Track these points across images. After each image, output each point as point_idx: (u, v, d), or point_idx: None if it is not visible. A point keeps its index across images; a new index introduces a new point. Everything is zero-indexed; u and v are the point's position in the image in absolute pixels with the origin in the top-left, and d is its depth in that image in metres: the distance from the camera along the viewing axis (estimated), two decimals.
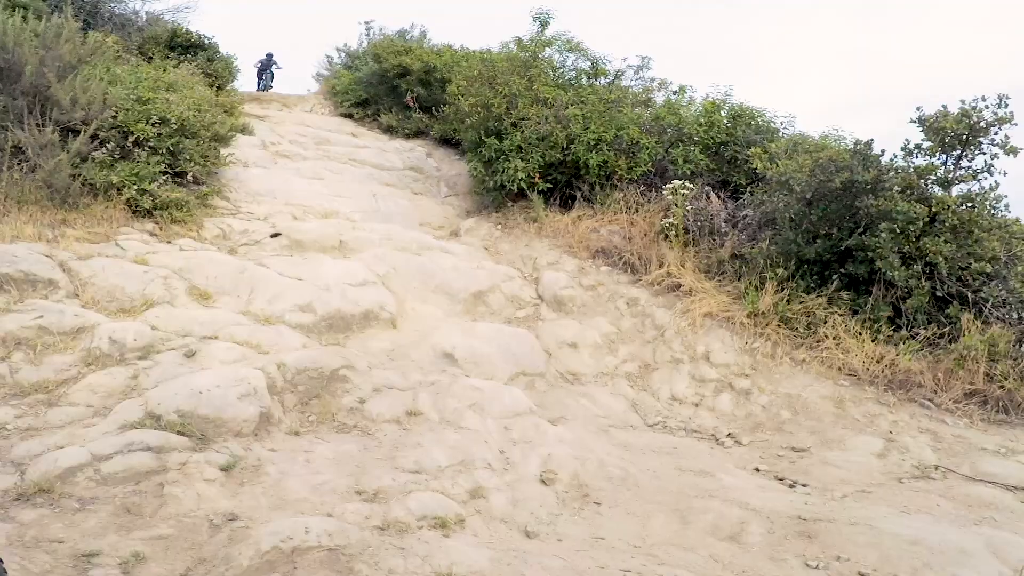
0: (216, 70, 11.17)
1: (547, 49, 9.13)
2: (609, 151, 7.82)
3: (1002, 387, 5.02)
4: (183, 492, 3.09)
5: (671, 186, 7.34)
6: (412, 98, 11.80)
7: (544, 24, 9.12)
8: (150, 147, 6.20)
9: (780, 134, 8.19)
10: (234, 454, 3.43)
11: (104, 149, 6.04)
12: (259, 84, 16.00)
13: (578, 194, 8.07)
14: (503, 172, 7.93)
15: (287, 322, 5.02)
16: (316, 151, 10.26)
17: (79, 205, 5.68)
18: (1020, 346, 5.19)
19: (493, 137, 8.08)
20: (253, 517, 3.01)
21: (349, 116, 12.89)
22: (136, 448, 3.27)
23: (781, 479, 4.37)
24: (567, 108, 8.03)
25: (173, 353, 4.20)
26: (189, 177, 6.61)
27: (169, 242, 5.90)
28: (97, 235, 5.53)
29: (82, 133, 5.79)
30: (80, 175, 5.72)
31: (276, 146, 10.00)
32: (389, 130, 12.00)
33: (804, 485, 4.23)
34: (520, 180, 7.82)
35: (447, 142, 11.20)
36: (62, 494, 2.98)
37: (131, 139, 6.12)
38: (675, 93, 9.28)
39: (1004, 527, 3.62)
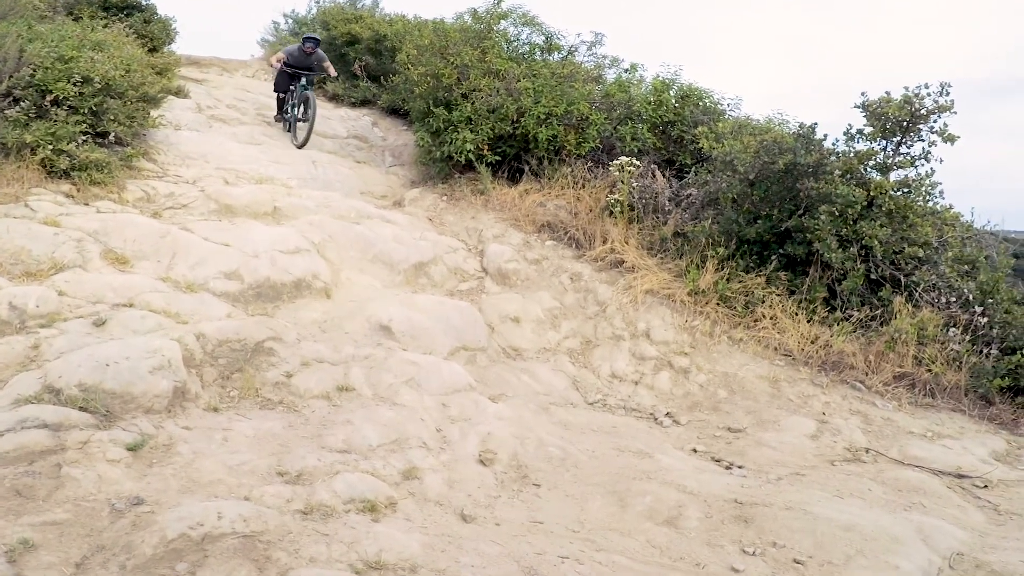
0: (152, 32, 10.74)
1: (502, 22, 8.90)
2: (559, 126, 7.70)
3: (929, 371, 5.17)
4: (82, 474, 2.83)
5: (618, 163, 7.28)
6: (360, 67, 11.50)
7: None
8: (70, 106, 5.82)
9: (727, 116, 8.25)
10: (143, 432, 3.18)
11: (19, 108, 5.58)
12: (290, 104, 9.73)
13: (526, 168, 7.94)
14: (451, 143, 7.72)
15: (211, 290, 4.70)
16: (255, 116, 9.80)
17: None
18: (948, 330, 5.35)
19: (442, 107, 7.84)
20: (161, 501, 2.78)
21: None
22: (30, 425, 2.97)
23: (718, 460, 4.38)
24: (519, 81, 7.84)
25: (81, 321, 3.87)
26: (111, 138, 6.16)
27: (86, 204, 5.47)
28: (6, 196, 5.07)
29: None
30: None
31: (212, 110, 9.48)
32: (334, 98, 11.69)
33: (740, 467, 4.24)
34: (468, 151, 7.63)
35: (395, 112, 10.90)
36: None
37: (49, 98, 5.72)
38: (627, 71, 9.22)
39: (932, 513, 3.70)
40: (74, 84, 5.85)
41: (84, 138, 5.77)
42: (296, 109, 9.16)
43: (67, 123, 5.66)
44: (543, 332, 5.89)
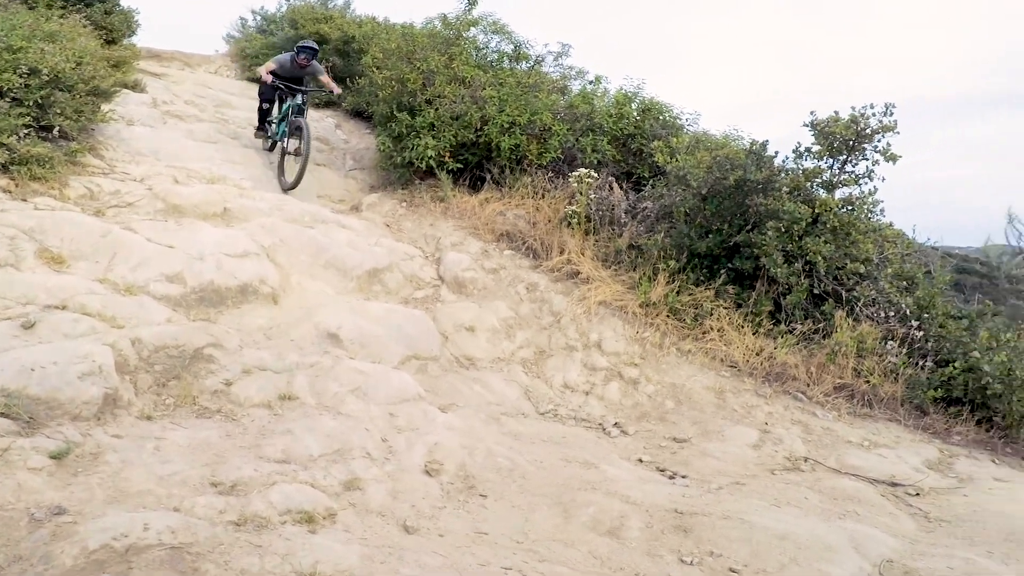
0: (112, 23, 10.42)
1: (472, 29, 8.93)
2: (522, 135, 7.74)
3: (868, 382, 5.33)
4: (1, 482, 2.71)
5: (577, 174, 7.36)
6: (327, 67, 11.37)
7: (472, 3, 8.90)
8: (14, 98, 5.62)
9: (685, 130, 8.39)
10: (69, 440, 3.06)
11: None
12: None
13: (488, 176, 7.96)
14: (412, 148, 7.69)
15: (151, 293, 4.57)
16: (214, 113, 9.59)
17: None
18: (886, 343, 5.53)
19: (405, 112, 7.81)
20: (84, 511, 2.68)
21: (257, 81, 12.30)
22: None
23: (662, 470, 4.43)
24: (484, 89, 7.86)
25: (8, 323, 3.71)
26: (56, 132, 5.98)
27: (24, 200, 5.27)
28: None
29: None
30: None
31: (169, 105, 9.25)
32: None
33: (684, 476, 4.29)
34: (429, 158, 7.61)
35: (359, 115, 10.80)
36: None
37: None
38: (591, 82, 9.33)
39: (865, 521, 3.79)
40: (20, 75, 5.65)
41: (27, 131, 5.59)
42: (284, 138, 7.77)
43: (9, 115, 5.47)
44: (498, 342, 5.89)
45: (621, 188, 7.61)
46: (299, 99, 7.72)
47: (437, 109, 7.69)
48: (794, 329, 5.68)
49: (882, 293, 5.82)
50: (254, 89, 11.67)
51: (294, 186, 7.57)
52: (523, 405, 5.25)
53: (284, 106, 8.02)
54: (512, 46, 9.25)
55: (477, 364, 5.59)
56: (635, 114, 8.30)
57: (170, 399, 3.70)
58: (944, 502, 4.23)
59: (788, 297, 5.77)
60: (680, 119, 8.53)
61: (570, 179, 7.50)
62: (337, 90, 8.27)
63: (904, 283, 6.09)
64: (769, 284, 5.90)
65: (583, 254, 6.79)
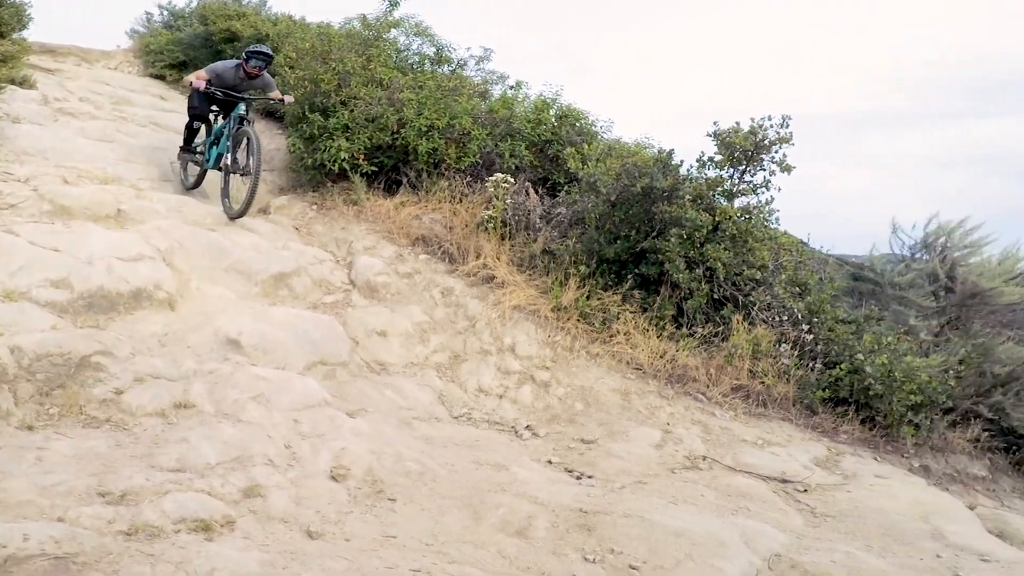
0: (1, 17, 9.64)
1: (393, 30, 8.83)
2: (440, 139, 7.71)
3: (763, 383, 5.65)
4: None
5: (493, 179, 7.42)
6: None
7: (394, 4, 8.79)
8: None
9: (600, 137, 8.57)
10: None
11: None
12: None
13: (404, 180, 7.89)
14: (325, 150, 7.52)
15: (34, 299, 4.28)
16: (111, 111, 9.06)
17: None
18: (779, 346, 5.87)
19: (318, 114, 7.65)
20: None
21: (161, 78, 11.76)
22: None
23: (570, 471, 4.52)
24: (403, 91, 7.80)
25: None
26: None
27: None
28: None
29: None
30: None
31: (62, 102, 8.68)
32: None
33: (590, 477, 4.40)
34: (343, 160, 7.46)
35: (270, 115, 10.42)
36: None
37: None
38: (512, 87, 9.39)
39: (757, 516, 3.99)
40: None
41: None
42: (228, 153, 6.60)
43: None
44: (411, 346, 5.86)
45: (537, 193, 7.73)
46: (242, 107, 6.64)
47: (352, 111, 7.58)
48: (695, 332, 5.94)
49: (776, 298, 6.17)
50: (158, 87, 11.21)
51: (243, 212, 6.47)
52: (436, 410, 5.25)
53: (218, 125, 7.01)
54: (435, 49, 9.20)
55: (389, 369, 5.55)
56: (553, 120, 8.41)
57: (54, 409, 3.49)
58: (829, 498, 4.48)
59: (689, 301, 6.03)
60: (595, 126, 8.70)
61: (487, 184, 7.55)
62: (289, 99, 7.29)
63: (797, 289, 6.48)
64: (672, 289, 6.15)
65: (499, 259, 6.86)
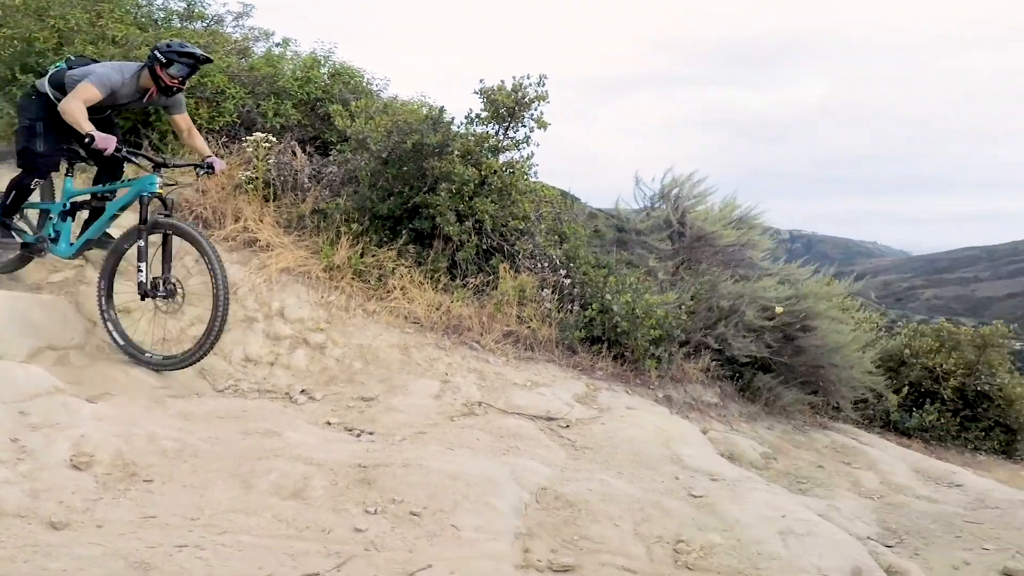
0: None
1: None
2: (190, 98, 6.95)
3: (529, 327, 6.05)
4: None
5: (252, 139, 6.92)
6: None
7: None
8: None
9: (376, 96, 8.42)
10: None
11: None
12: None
13: (145, 142, 7.02)
14: None
15: None
16: None
17: None
18: (542, 291, 6.33)
19: (32, 75, 6.49)
20: None
21: None
22: None
23: (350, 430, 4.48)
24: (140, 48, 6.86)
25: None
26: None
27: None
28: None
29: None
30: None
31: None
32: None
33: (370, 433, 4.39)
34: None
35: None
36: None
37: None
38: (278, 45, 8.87)
39: (526, 454, 4.25)
40: None
41: None
42: (145, 267, 4.38)
43: None
44: (161, 321, 5.30)
45: (306, 153, 7.38)
46: (156, 182, 4.34)
47: None
48: (468, 283, 6.17)
49: (538, 247, 6.62)
50: None
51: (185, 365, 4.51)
52: (197, 385, 4.87)
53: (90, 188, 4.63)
54: (185, 4, 8.51)
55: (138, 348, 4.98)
56: (325, 78, 8.09)
57: None
58: (587, 431, 4.90)
59: (461, 253, 6.23)
60: (371, 84, 8.59)
61: (245, 144, 7.02)
62: (221, 165, 4.85)
63: (556, 237, 7.01)
64: (445, 242, 6.29)
65: (262, 221, 6.44)
